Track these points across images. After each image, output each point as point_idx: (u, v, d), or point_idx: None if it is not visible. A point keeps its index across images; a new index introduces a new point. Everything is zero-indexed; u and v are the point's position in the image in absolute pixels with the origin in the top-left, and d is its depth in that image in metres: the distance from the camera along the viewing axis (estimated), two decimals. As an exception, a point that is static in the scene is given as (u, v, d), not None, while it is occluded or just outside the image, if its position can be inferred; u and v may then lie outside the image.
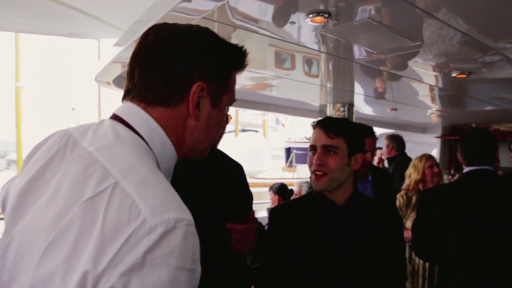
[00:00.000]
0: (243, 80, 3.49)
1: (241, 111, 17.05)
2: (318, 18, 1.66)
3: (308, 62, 2.86)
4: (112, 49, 2.55)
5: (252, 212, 1.38)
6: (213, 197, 1.37)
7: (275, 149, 19.09)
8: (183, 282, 0.57)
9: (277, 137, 21.72)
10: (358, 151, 1.36)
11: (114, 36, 2.50)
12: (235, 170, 1.56)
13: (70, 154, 0.69)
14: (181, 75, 0.73)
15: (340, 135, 1.32)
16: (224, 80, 0.81)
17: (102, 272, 0.54)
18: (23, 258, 0.62)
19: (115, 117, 0.74)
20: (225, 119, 1.28)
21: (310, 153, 1.37)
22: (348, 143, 1.32)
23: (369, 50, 2.15)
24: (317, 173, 1.32)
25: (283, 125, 18.07)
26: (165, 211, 0.58)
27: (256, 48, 2.39)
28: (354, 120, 4.12)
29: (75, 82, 17.00)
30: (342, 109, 4.06)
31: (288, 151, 16.74)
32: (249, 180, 1.64)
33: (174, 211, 0.59)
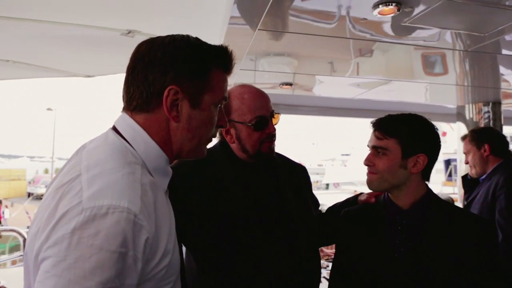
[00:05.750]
0: (358, 89, 3.34)
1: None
2: (387, 9, 1.52)
3: (432, 59, 2.57)
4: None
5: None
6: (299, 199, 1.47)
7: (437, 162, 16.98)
8: (107, 262, 0.63)
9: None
10: (418, 152, 1.22)
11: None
12: (302, 172, 1.61)
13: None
14: (153, 82, 0.81)
15: (390, 135, 1.23)
16: (202, 80, 0.84)
17: (42, 243, 0.66)
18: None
19: (113, 126, 0.89)
20: (268, 125, 1.31)
21: None
22: (401, 143, 1.22)
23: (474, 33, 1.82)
24: (369, 170, 1.29)
25: (444, 134, 15.81)
26: (101, 198, 0.67)
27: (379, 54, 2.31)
28: (502, 121, 3.43)
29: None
30: (485, 109, 3.44)
31: (448, 163, 14.82)
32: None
33: (111, 199, 0.67)
